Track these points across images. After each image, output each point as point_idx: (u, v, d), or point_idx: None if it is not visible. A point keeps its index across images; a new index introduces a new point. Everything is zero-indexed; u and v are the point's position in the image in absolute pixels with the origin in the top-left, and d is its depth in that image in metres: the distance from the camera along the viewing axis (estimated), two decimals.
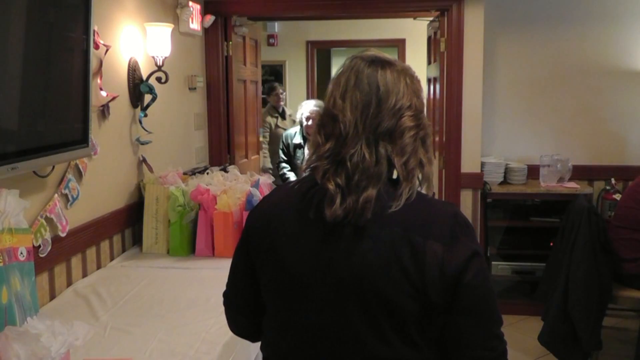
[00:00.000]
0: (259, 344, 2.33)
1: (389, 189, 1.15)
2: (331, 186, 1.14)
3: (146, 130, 3.14)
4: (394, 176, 1.19)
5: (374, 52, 1.23)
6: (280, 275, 1.22)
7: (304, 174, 1.25)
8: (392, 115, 1.15)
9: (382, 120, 1.15)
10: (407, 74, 1.21)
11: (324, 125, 1.20)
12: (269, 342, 1.30)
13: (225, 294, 1.40)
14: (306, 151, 4.75)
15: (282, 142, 5.07)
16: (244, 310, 1.37)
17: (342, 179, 1.14)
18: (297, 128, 5.00)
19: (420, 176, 1.18)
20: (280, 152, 5.07)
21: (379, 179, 1.14)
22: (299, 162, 4.91)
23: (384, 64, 1.19)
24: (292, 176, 4.94)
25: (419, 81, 1.24)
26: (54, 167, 2.34)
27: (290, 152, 4.99)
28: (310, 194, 1.19)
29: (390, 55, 1.26)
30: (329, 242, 1.16)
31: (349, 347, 1.15)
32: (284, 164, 5.04)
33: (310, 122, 4.76)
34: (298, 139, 4.94)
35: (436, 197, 4.42)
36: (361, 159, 1.14)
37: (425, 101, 1.25)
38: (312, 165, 1.20)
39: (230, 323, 1.42)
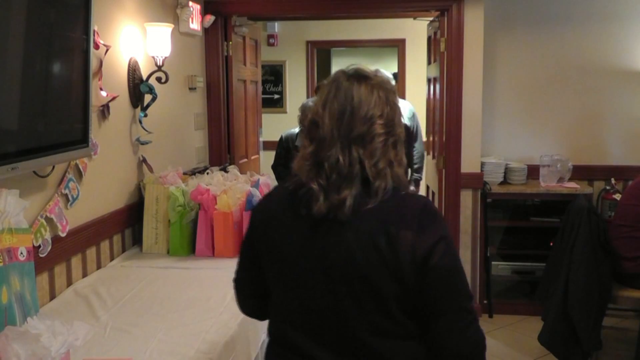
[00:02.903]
0: (258, 344, 2.36)
1: (366, 188, 1.32)
2: (314, 186, 1.32)
3: (146, 130, 3.14)
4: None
5: (357, 67, 1.40)
6: (279, 263, 1.41)
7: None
8: (363, 122, 1.32)
9: (355, 127, 1.32)
10: (382, 88, 1.36)
11: (309, 130, 1.38)
12: (272, 324, 1.48)
13: (234, 280, 1.59)
14: None
15: (282, 145, 4.46)
16: (251, 293, 1.55)
17: (322, 179, 1.32)
18: (297, 129, 4.60)
19: (390, 176, 1.33)
20: (278, 155, 4.47)
21: (352, 179, 1.30)
22: None
23: (360, 79, 1.36)
24: None
25: (394, 93, 1.39)
26: (54, 167, 2.34)
27: (292, 156, 4.34)
28: (301, 192, 1.36)
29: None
30: (318, 234, 1.34)
31: (339, 326, 1.32)
32: (283, 171, 4.34)
33: None
34: (300, 142, 4.45)
35: (436, 197, 4.43)
36: (335, 161, 1.31)
37: (401, 111, 1.42)
38: (298, 166, 1.38)
39: (240, 304, 1.60)
